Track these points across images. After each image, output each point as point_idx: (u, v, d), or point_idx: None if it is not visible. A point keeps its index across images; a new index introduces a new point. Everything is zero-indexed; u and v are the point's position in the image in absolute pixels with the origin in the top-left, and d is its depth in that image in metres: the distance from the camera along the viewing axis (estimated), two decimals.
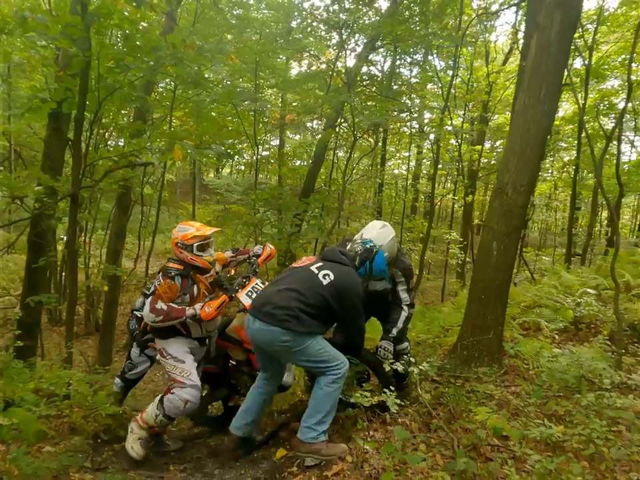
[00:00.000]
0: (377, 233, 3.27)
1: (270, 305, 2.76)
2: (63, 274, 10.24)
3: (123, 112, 8.70)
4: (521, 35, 10.73)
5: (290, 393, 3.88)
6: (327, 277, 2.80)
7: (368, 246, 3.03)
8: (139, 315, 3.92)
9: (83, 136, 5.68)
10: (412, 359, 3.29)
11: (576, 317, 4.73)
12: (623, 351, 3.72)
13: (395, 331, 3.41)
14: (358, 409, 3.01)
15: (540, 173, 12.90)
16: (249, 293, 3.35)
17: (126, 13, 4.94)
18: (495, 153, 16.23)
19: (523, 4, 7.85)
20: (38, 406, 3.31)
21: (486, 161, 14.08)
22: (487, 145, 15.92)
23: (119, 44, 4.91)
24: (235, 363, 3.78)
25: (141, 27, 5.26)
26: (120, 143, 12.23)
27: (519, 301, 5.41)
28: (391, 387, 2.91)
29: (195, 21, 9.90)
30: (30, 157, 17.05)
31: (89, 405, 3.79)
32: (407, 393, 3.42)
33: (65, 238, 7.44)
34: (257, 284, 3.44)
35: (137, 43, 4.72)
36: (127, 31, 4.78)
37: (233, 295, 3.37)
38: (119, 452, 3.45)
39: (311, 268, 2.88)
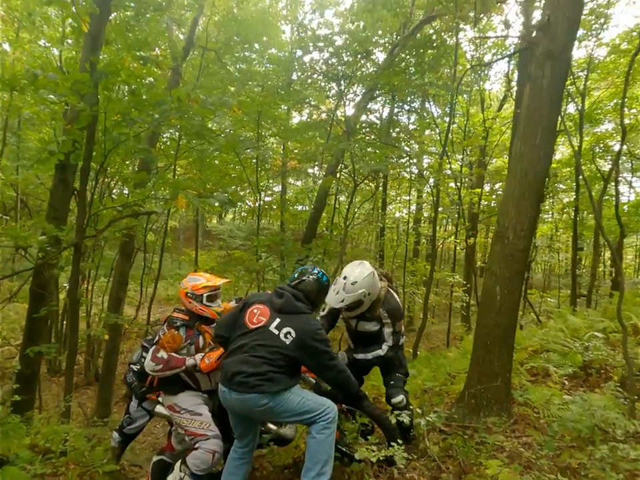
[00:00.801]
0: (358, 272, 3.31)
1: (240, 374, 2.70)
2: (64, 322, 10.17)
3: (127, 162, 8.90)
4: (514, 82, 11.11)
5: (293, 446, 3.74)
6: (288, 336, 2.74)
7: (319, 275, 3.04)
8: (135, 369, 3.86)
9: (88, 186, 5.79)
10: (419, 410, 3.19)
11: (585, 362, 4.63)
12: (636, 397, 3.61)
13: (359, 355, 3.41)
14: (364, 464, 2.89)
15: (540, 215, 13.00)
16: None
17: (132, 69, 5.17)
18: (494, 196, 16.42)
19: (515, 55, 8.16)
20: (33, 464, 3.20)
21: (486, 203, 14.23)
22: (487, 187, 16.12)
23: (125, 98, 5.09)
24: None
25: (147, 82, 5.48)
26: (124, 191, 12.46)
27: (526, 346, 5.32)
28: (397, 440, 2.81)
29: (199, 74, 10.30)
30: (35, 206, 17.33)
31: (86, 461, 3.67)
32: (415, 445, 3.30)
33: (67, 286, 7.44)
34: None
35: (143, 97, 4.89)
36: (133, 86, 4.96)
37: None
38: None
39: (271, 329, 2.78)
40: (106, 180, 9.60)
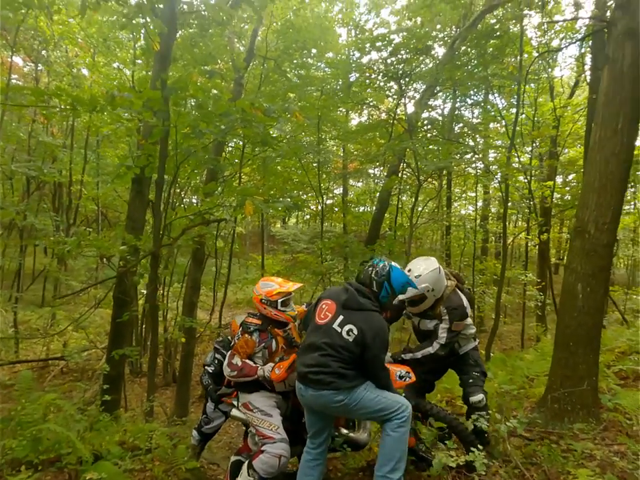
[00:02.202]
0: (423, 266, 3.28)
1: (313, 372, 2.77)
2: (143, 326, 10.78)
3: (196, 172, 9.31)
4: (587, 66, 10.43)
5: (367, 449, 3.73)
6: (350, 333, 2.74)
7: (380, 265, 2.94)
8: (210, 371, 4.01)
9: (161, 197, 6.11)
10: (497, 415, 3.07)
11: None
12: None
13: (407, 355, 3.35)
14: (442, 469, 2.82)
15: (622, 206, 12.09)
16: None
17: (199, 83, 5.39)
18: (568, 188, 15.49)
19: (587, 38, 7.66)
20: (123, 459, 3.41)
21: (559, 196, 13.45)
22: (559, 179, 15.24)
23: (193, 112, 5.32)
24: None
25: (212, 94, 5.71)
26: (194, 200, 13.04)
27: (612, 347, 4.98)
28: (477, 445, 2.72)
29: (260, 84, 10.57)
30: (114, 218, 18.57)
31: (169, 458, 3.85)
32: (495, 450, 3.17)
33: (146, 293, 7.89)
34: None
35: (210, 109, 5.09)
36: (201, 100, 5.18)
37: None
38: None
39: (334, 327, 2.80)
40: (177, 190, 10.09)
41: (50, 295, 14.07)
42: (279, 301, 3.38)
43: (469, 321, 3.48)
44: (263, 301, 3.41)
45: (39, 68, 12.69)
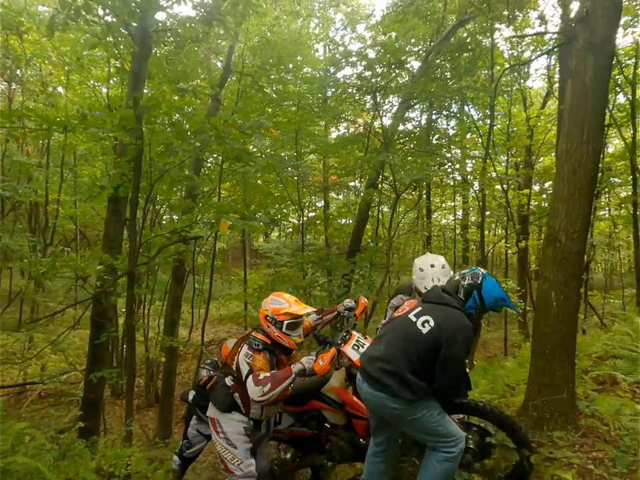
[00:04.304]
0: (439, 258, 3.41)
1: (375, 367, 2.57)
2: (124, 347, 10.56)
3: (174, 189, 9.24)
4: (556, 77, 10.71)
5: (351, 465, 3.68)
6: (426, 324, 2.50)
7: (472, 273, 2.71)
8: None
9: (138, 215, 6.05)
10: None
11: None
12: None
13: None
14: None
15: (596, 212, 12.34)
16: (355, 347, 3.18)
17: (172, 101, 5.38)
18: (544, 195, 15.78)
19: (555, 50, 7.88)
20: None
21: (536, 204, 13.68)
22: (536, 187, 15.52)
23: (168, 129, 5.30)
24: (330, 426, 3.46)
25: (187, 111, 5.70)
26: (174, 218, 12.94)
27: (589, 352, 5.03)
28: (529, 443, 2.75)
29: (237, 99, 10.59)
30: (94, 236, 18.28)
31: None
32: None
33: (125, 312, 7.76)
34: (358, 338, 3.29)
35: (184, 127, 5.08)
36: (174, 118, 5.16)
37: (340, 349, 3.16)
38: None
39: (409, 316, 2.61)
40: (155, 208, 9.98)
41: (27, 317, 13.73)
42: (285, 322, 3.04)
43: None
44: (268, 318, 3.08)
45: (12, 87, 12.51)
